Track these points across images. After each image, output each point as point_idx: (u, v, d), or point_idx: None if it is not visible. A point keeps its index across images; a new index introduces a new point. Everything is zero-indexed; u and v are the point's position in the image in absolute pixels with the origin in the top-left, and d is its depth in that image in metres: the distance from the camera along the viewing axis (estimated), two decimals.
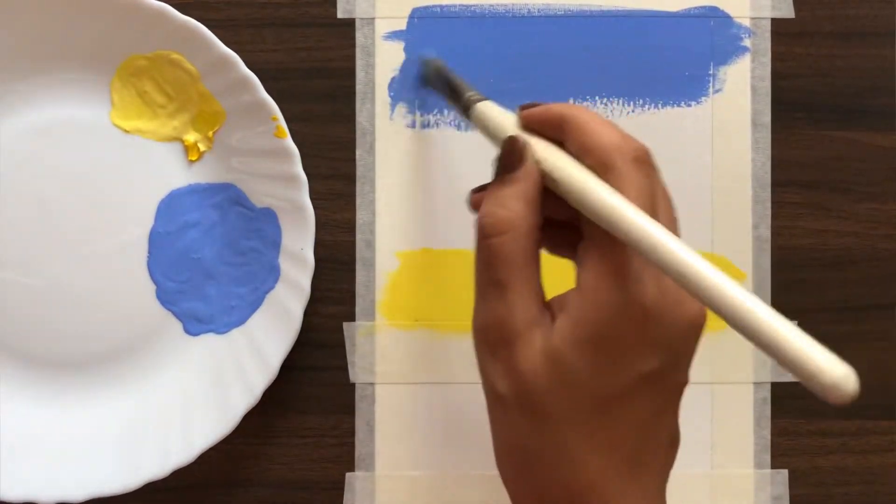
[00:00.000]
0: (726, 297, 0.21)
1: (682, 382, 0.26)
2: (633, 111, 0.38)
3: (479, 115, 0.30)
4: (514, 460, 0.26)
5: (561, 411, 0.25)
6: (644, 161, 0.25)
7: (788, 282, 0.38)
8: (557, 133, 0.27)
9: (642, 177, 0.25)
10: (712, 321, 0.38)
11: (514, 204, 0.26)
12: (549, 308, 0.26)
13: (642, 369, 0.24)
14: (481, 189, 0.28)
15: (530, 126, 0.28)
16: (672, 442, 0.26)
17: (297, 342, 0.36)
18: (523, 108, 0.28)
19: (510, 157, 0.27)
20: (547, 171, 0.26)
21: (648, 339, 0.24)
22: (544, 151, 0.26)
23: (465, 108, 0.31)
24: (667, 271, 0.22)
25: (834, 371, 0.20)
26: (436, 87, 0.35)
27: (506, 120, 0.28)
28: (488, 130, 0.29)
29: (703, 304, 0.22)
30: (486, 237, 0.26)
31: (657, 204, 0.25)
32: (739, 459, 0.37)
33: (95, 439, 0.36)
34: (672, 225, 0.26)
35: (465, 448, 0.37)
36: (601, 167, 0.25)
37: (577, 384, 0.24)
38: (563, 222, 0.27)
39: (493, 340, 0.26)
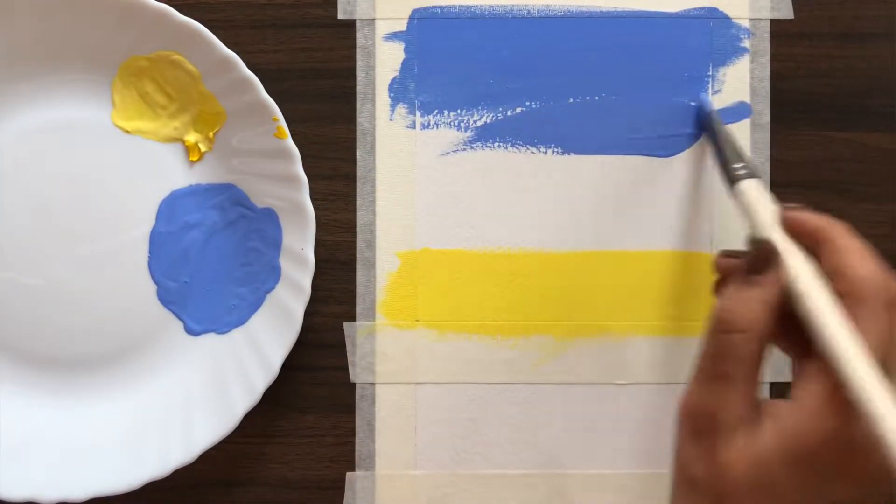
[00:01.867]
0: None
1: None
2: (632, 111, 0.38)
3: (742, 195, 0.31)
4: None
5: None
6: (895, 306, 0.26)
7: None
8: (813, 244, 0.28)
9: (887, 322, 0.25)
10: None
11: (756, 307, 0.27)
12: (758, 410, 0.27)
13: (839, 499, 0.25)
14: (731, 255, 0.30)
15: (790, 229, 0.28)
16: None
17: (298, 342, 0.36)
18: (786, 207, 0.29)
19: (761, 261, 0.27)
20: (791, 283, 0.27)
21: (854, 471, 0.25)
22: (794, 263, 0.27)
23: (730, 181, 0.32)
24: (868, 428, 0.23)
25: None
26: (709, 142, 0.36)
27: (766, 213, 0.29)
28: (747, 214, 0.30)
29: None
30: (724, 331, 0.27)
31: (893, 352, 0.26)
32: None
33: (96, 439, 0.36)
34: None
35: (465, 448, 0.38)
36: (850, 299, 0.26)
37: (775, 495, 0.25)
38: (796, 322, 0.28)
39: (701, 426, 0.27)
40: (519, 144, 0.38)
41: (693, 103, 0.37)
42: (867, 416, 0.23)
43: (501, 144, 0.38)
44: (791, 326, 0.27)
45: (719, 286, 0.31)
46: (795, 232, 0.28)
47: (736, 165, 0.32)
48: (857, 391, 0.24)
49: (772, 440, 0.25)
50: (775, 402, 0.27)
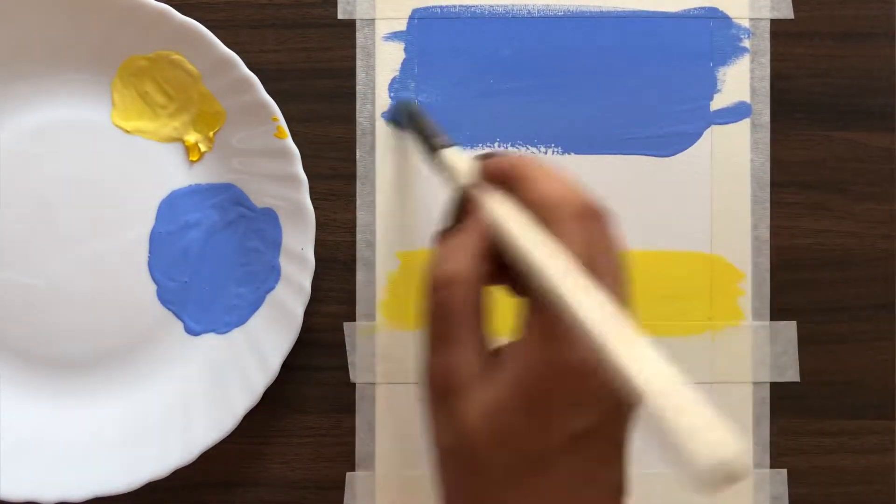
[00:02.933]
0: (614, 354, 0.21)
1: (621, 436, 0.26)
2: (632, 111, 0.38)
3: (441, 161, 0.30)
4: None
5: (499, 469, 0.25)
6: (588, 216, 0.25)
7: (787, 282, 0.38)
8: (510, 185, 0.27)
9: (582, 231, 0.25)
10: (713, 320, 0.38)
11: (461, 256, 0.26)
12: (496, 359, 0.26)
13: (574, 427, 0.24)
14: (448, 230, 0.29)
15: (488, 177, 0.28)
16: (616, 493, 0.26)
17: (298, 342, 0.36)
18: (481, 157, 0.28)
19: (462, 211, 0.27)
20: (493, 223, 0.26)
21: (576, 398, 0.24)
22: (491, 203, 0.26)
23: (431, 153, 0.31)
24: (573, 329, 0.22)
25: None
26: (409, 130, 0.35)
27: (464, 168, 0.29)
28: (448, 177, 0.29)
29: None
30: (433, 289, 0.26)
31: (596, 259, 0.25)
32: None
33: (96, 439, 0.36)
34: (613, 280, 0.25)
35: None
36: (543, 221, 0.25)
37: (512, 443, 0.24)
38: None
39: (439, 391, 0.26)
40: (519, 144, 0.38)
41: (392, 102, 0.37)
42: (588, 341, 0.22)
43: (501, 144, 0.38)
44: (510, 268, 0.27)
45: None
46: (495, 178, 0.27)
47: (436, 139, 0.31)
48: (571, 315, 0.22)
49: (504, 385, 0.24)
50: (502, 347, 0.26)
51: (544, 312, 0.24)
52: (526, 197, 0.26)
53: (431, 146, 0.31)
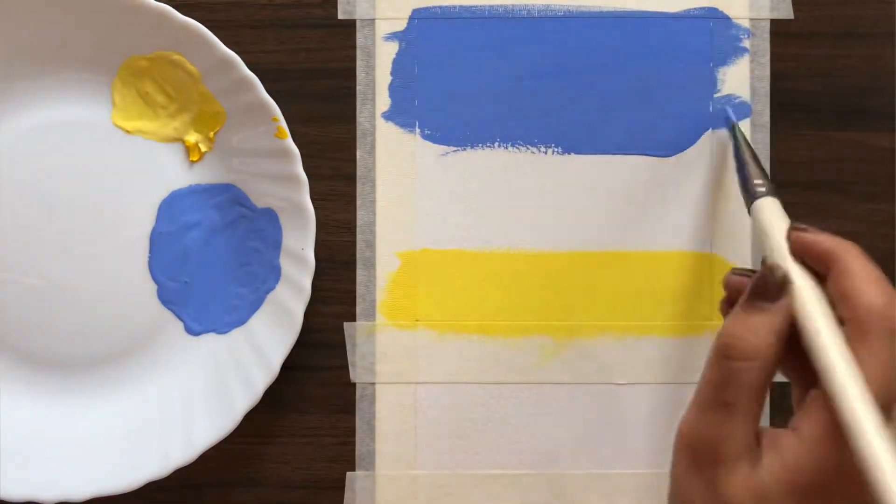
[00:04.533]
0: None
1: None
2: (632, 111, 0.38)
3: (757, 214, 0.30)
4: None
5: None
6: None
7: None
8: (822, 267, 0.27)
9: (890, 353, 0.25)
10: (713, 320, 0.38)
11: (766, 335, 0.26)
12: (760, 440, 0.26)
13: None
14: (742, 274, 0.29)
15: (797, 250, 0.28)
16: None
17: (298, 342, 0.36)
18: (795, 228, 0.28)
19: (769, 286, 0.27)
20: (798, 311, 0.26)
21: (852, 502, 0.25)
22: (804, 290, 0.27)
23: (746, 195, 0.32)
24: (859, 462, 0.23)
25: None
26: (735, 153, 0.35)
27: (780, 235, 0.28)
28: (761, 233, 0.29)
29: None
30: (729, 358, 0.26)
31: (893, 386, 0.25)
32: None
33: (96, 439, 0.36)
34: None
35: (465, 448, 0.38)
36: (855, 327, 0.25)
37: None
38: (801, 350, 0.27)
39: (702, 456, 0.26)
40: (519, 144, 0.38)
41: (724, 117, 0.37)
42: (860, 458, 0.23)
43: (501, 144, 0.38)
44: (797, 354, 0.27)
45: (726, 305, 0.31)
46: (806, 253, 0.28)
47: (757, 181, 0.32)
48: (852, 431, 0.24)
49: (774, 472, 0.25)
50: (776, 432, 0.26)
51: (826, 413, 0.25)
52: (841, 291, 0.26)
53: (751, 192, 0.31)
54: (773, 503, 0.25)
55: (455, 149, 0.38)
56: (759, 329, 0.26)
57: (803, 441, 0.25)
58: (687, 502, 0.26)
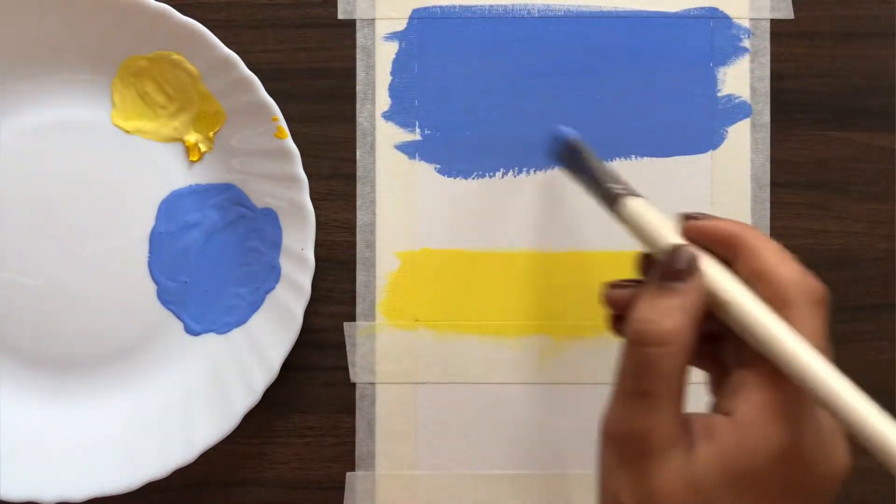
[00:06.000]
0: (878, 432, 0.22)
1: None
2: (631, 112, 0.38)
3: (632, 214, 0.28)
4: None
5: None
6: (822, 303, 0.25)
7: None
8: (725, 251, 0.26)
9: (819, 319, 0.25)
10: None
11: (679, 317, 0.25)
12: (688, 427, 0.25)
13: None
14: (621, 286, 0.28)
15: (693, 238, 0.27)
16: None
17: (298, 342, 0.36)
18: (688, 217, 0.28)
19: (677, 268, 0.26)
20: (715, 292, 0.26)
21: (796, 484, 0.24)
22: (713, 269, 0.26)
23: (607, 200, 0.30)
24: (843, 423, 0.23)
25: None
26: (573, 170, 0.33)
27: (665, 225, 0.28)
28: (641, 232, 0.28)
29: (879, 460, 0.22)
30: (643, 345, 0.25)
31: (825, 351, 0.25)
32: None
33: (96, 439, 0.36)
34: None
35: (465, 448, 0.38)
36: (778, 302, 0.25)
37: None
38: (708, 335, 0.27)
39: (627, 451, 0.25)
40: (519, 144, 0.38)
41: (553, 135, 0.34)
42: (842, 418, 0.23)
43: (501, 144, 0.38)
44: (707, 338, 0.26)
45: (616, 322, 0.29)
46: (705, 239, 0.27)
47: (613, 185, 0.30)
48: (828, 396, 0.23)
49: (709, 460, 0.24)
50: (707, 418, 0.25)
51: (774, 392, 0.24)
52: (755, 271, 0.25)
53: (610, 193, 0.30)
54: (708, 492, 0.24)
55: (455, 149, 0.38)
56: (671, 311, 0.25)
57: (739, 425, 0.24)
58: (613, 498, 0.25)
